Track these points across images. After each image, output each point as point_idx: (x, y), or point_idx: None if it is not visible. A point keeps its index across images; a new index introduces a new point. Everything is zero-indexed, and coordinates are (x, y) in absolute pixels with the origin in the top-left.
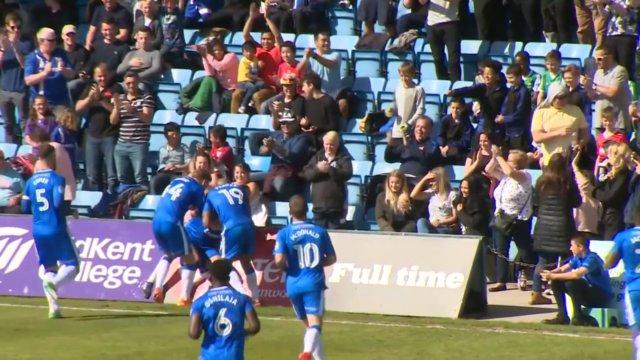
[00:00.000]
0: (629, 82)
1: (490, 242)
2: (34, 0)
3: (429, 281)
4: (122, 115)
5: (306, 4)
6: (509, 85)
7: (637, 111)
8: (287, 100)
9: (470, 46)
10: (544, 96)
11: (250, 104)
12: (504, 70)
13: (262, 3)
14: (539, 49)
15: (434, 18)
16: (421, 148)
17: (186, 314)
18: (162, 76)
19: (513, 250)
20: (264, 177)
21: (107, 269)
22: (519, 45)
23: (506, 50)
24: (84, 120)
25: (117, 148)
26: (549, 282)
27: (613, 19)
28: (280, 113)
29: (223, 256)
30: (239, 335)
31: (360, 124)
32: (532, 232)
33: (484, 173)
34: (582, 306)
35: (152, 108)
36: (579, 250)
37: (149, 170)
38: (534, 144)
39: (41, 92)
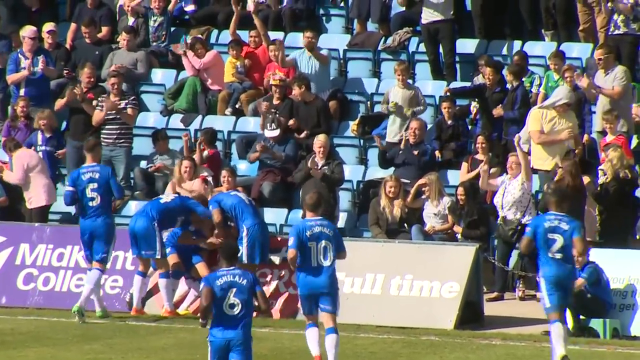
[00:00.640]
0: (632, 84)
1: (487, 250)
2: None
3: (423, 291)
4: (104, 118)
5: (296, 1)
6: (508, 85)
7: None
8: (275, 101)
9: (467, 45)
10: (545, 97)
11: (237, 106)
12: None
13: (249, 0)
14: (538, 48)
15: (428, 16)
16: (416, 152)
17: (170, 324)
18: (144, 78)
19: (511, 259)
20: (252, 182)
21: None
22: (517, 44)
23: (504, 50)
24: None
25: None
26: None
27: (615, 17)
28: (265, 123)
29: (245, 261)
30: (248, 315)
31: (352, 126)
32: None
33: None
34: (582, 317)
35: (137, 110)
36: (578, 260)
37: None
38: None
39: (22, 93)
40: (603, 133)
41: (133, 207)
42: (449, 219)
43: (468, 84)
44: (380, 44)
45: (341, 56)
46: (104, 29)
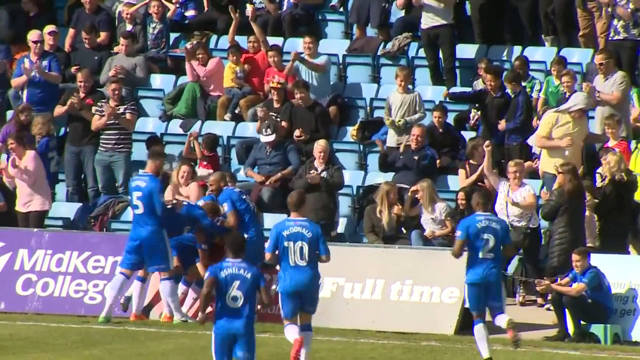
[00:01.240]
0: (633, 89)
1: None
2: (10, 2)
3: (423, 296)
4: (105, 123)
5: (296, 6)
6: (508, 91)
7: None
8: (275, 105)
9: (467, 50)
10: (545, 102)
11: (236, 111)
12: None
13: (248, 5)
14: (538, 54)
15: (428, 21)
16: (416, 157)
17: (170, 330)
18: (143, 84)
19: (511, 264)
20: (251, 188)
21: (87, 283)
22: (517, 49)
23: (504, 55)
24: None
25: (98, 157)
26: (549, 297)
27: (615, 22)
28: (261, 129)
29: None
30: (251, 308)
31: (351, 132)
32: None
33: (480, 184)
34: (583, 322)
35: (136, 115)
36: (580, 265)
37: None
38: (534, 148)
39: (24, 97)
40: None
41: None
42: (447, 223)
43: (468, 89)
44: (379, 49)
45: (340, 61)
46: (103, 34)
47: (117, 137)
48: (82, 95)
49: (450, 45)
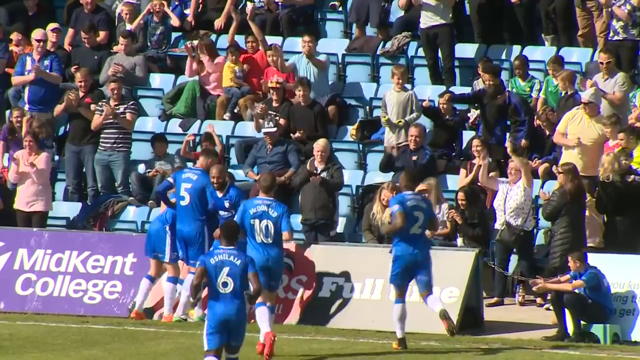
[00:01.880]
0: (636, 88)
1: (487, 255)
2: (10, 1)
3: None
4: (103, 123)
5: (293, 7)
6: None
7: None
8: (275, 104)
9: (466, 50)
10: (545, 102)
11: (235, 110)
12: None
13: (248, 3)
14: (537, 53)
15: (427, 20)
16: (414, 158)
17: (169, 330)
18: (143, 83)
19: (511, 263)
20: (250, 187)
21: (86, 283)
22: (516, 49)
23: (503, 55)
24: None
25: (97, 157)
26: (548, 297)
27: (614, 23)
28: (262, 120)
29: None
30: (241, 294)
31: (351, 131)
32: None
33: (479, 184)
34: (583, 322)
35: (136, 115)
36: (576, 267)
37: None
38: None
39: (25, 96)
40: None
41: (131, 212)
42: (448, 224)
43: (468, 89)
44: (379, 48)
45: (340, 61)
46: (102, 34)
47: (116, 136)
48: (81, 94)
49: (449, 45)
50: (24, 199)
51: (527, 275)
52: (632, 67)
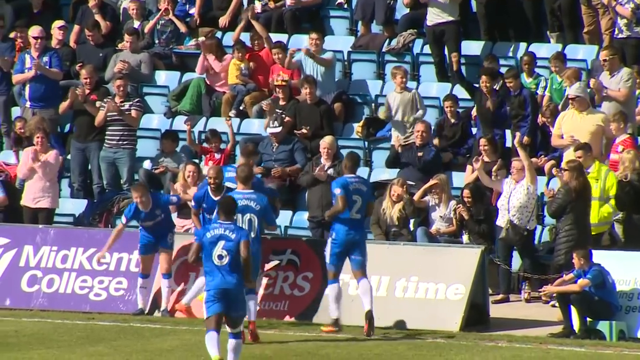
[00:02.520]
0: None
1: (493, 252)
2: None
3: (428, 293)
4: (108, 120)
5: (298, 3)
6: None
7: None
8: (281, 103)
9: (472, 47)
10: (550, 99)
11: (241, 108)
12: (503, 72)
13: (257, 2)
14: (543, 50)
15: (433, 18)
16: (420, 154)
17: (174, 326)
18: (148, 80)
19: (516, 260)
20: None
21: (92, 280)
22: (522, 46)
23: (509, 52)
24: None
25: (102, 154)
26: (554, 295)
27: (618, 21)
28: (269, 121)
29: None
30: (237, 266)
31: (357, 128)
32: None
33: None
34: (588, 319)
35: (141, 112)
36: (581, 264)
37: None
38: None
39: (27, 94)
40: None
41: None
42: (454, 221)
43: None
44: (384, 45)
45: (345, 58)
46: (107, 24)
47: (121, 133)
48: (87, 91)
49: (455, 42)
50: (31, 195)
51: (531, 273)
52: (637, 64)
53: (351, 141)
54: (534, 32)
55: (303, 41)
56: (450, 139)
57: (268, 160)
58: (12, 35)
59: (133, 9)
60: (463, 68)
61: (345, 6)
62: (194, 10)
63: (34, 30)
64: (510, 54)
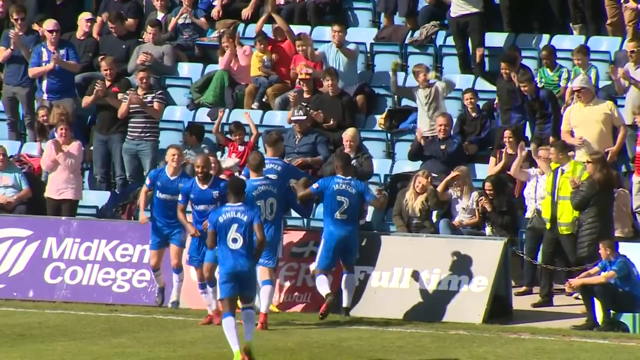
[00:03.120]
0: None
1: (516, 244)
2: None
3: (451, 285)
4: (130, 112)
5: None
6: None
7: None
8: (305, 96)
9: (495, 39)
10: (571, 91)
11: (264, 99)
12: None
13: None
14: (566, 42)
15: (457, 9)
16: (443, 146)
17: (197, 318)
18: (171, 72)
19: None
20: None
21: (115, 272)
22: (545, 37)
23: (532, 43)
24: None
25: (125, 146)
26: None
27: None
28: (293, 110)
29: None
30: (250, 248)
31: (379, 120)
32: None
33: (508, 173)
34: (612, 311)
35: (164, 104)
36: (607, 254)
37: None
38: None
39: (44, 86)
40: (634, 127)
41: None
42: (477, 213)
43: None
44: (407, 37)
45: (368, 50)
46: (131, 21)
47: (144, 125)
48: (107, 83)
49: (479, 34)
50: (55, 187)
51: (558, 265)
52: None
53: (374, 133)
54: (557, 24)
55: (326, 33)
56: (471, 134)
57: (290, 153)
58: (35, 27)
59: (157, 1)
60: (486, 60)
61: None
62: (217, 2)
63: (49, 24)
64: (533, 46)
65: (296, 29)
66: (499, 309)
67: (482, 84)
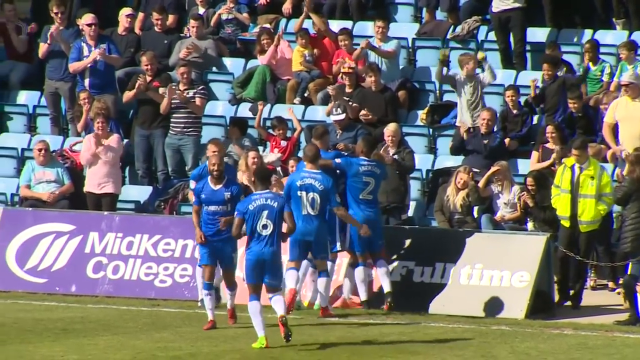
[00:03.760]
0: None
1: (557, 239)
2: None
3: (493, 280)
4: (173, 107)
5: None
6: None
7: None
8: (348, 90)
9: (537, 34)
10: (618, 86)
11: (305, 95)
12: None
13: None
14: (609, 37)
15: (499, 4)
16: (485, 141)
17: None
18: (214, 66)
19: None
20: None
21: (157, 266)
22: (587, 33)
23: (574, 39)
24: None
25: (167, 141)
26: (620, 282)
27: None
28: (332, 108)
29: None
30: (278, 234)
31: (421, 115)
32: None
33: (552, 168)
34: None
35: (205, 99)
36: None
37: None
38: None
39: (86, 81)
40: None
41: None
42: (518, 208)
43: (539, 73)
44: (449, 32)
45: (410, 45)
46: (171, 17)
47: (186, 120)
48: (148, 78)
49: (521, 29)
50: (95, 181)
51: (604, 259)
52: None
53: (415, 128)
54: (599, 19)
55: (368, 28)
56: (511, 131)
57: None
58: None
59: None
60: (527, 55)
61: None
62: None
63: (87, 18)
64: (575, 41)
65: (338, 24)
66: (541, 304)
67: (524, 79)
